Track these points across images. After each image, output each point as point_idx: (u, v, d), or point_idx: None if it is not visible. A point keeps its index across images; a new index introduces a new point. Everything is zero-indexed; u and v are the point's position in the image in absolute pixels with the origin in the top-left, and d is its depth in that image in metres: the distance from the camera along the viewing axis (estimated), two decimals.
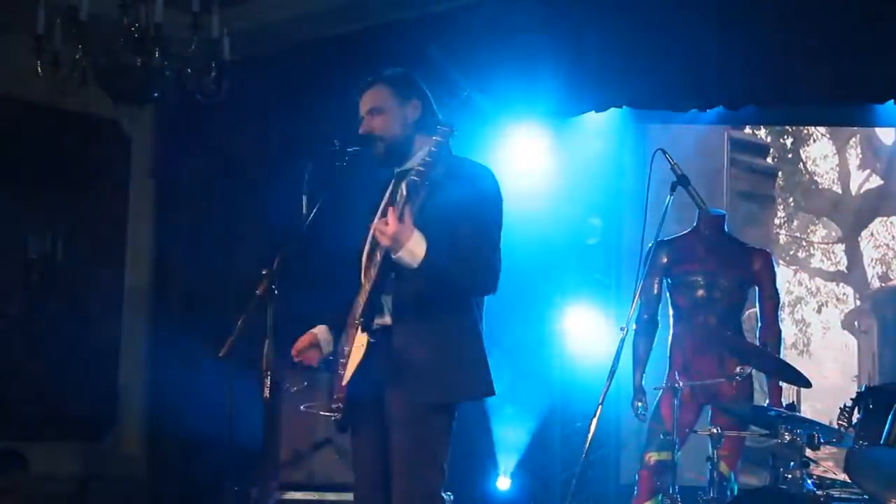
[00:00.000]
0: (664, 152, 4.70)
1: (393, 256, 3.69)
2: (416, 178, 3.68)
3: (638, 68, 6.46)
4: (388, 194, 4.03)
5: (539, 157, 7.21)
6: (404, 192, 3.72)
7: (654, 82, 6.46)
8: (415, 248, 3.69)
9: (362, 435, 3.99)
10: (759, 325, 6.14)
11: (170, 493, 7.17)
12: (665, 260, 6.10)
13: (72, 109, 7.06)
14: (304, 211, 3.84)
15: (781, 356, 6.03)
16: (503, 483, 7.00)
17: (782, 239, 9.45)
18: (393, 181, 4.05)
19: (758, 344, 6.01)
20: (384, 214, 3.78)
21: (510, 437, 6.96)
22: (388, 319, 3.89)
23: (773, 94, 6.28)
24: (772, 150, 8.97)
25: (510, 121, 6.92)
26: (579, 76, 6.56)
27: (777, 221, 9.23)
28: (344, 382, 3.88)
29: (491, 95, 6.74)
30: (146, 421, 7.71)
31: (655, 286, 6.12)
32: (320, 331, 4.09)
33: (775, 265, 6.26)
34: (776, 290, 6.15)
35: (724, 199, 8.27)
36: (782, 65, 6.17)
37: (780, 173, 9.14)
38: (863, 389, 5.26)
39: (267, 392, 3.76)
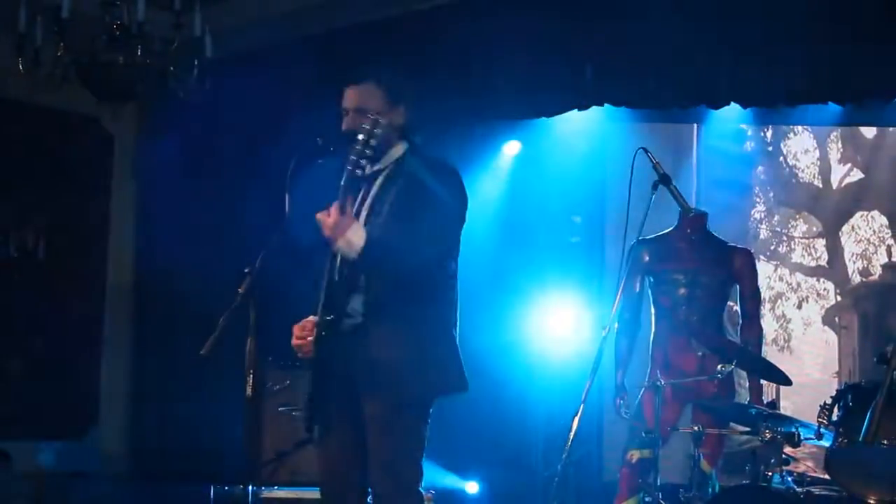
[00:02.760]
0: (646, 151, 4.72)
1: (332, 247, 3.74)
2: (349, 168, 3.74)
3: (620, 67, 6.48)
4: (360, 194, 4.05)
5: (521, 156, 7.24)
6: (342, 186, 3.77)
7: (636, 81, 6.48)
8: (352, 238, 3.74)
9: (334, 434, 3.99)
10: (740, 323, 6.17)
11: (151, 491, 7.16)
12: (647, 258, 6.11)
13: (53, 107, 7.04)
14: (287, 208, 3.85)
15: (763, 354, 6.07)
16: (472, 486, 7.03)
17: (763, 234, 9.44)
18: (363, 182, 4.07)
19: (739, 342, 6.04)
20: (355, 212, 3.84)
21: (492, 435, 6.98)
22: (358, 317, 3.91)
23: (756, 93, 6.32)
24: (750, 140, 8.93)
25: (493, 118, 6.93)
26: (561, 75, 6.58)
27: (757, 216, 9.23)
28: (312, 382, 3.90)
29: (473, 95, 6.74)
30: (128, 418, 7.70)
31: (637, 285, 6.14)
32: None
33: (756, 263, 6.29)
34: (757, 288, 6.18)
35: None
36: (766, 64, 6.20)
37: (759, 166, 9.13)
38: (843, 387, 5.29)
39: (249, 390, 3.76)
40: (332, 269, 3.89)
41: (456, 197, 3.97)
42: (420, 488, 3.93)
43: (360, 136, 3.73)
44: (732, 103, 6.40)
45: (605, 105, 6.72)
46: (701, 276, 6.03)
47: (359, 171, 3.80)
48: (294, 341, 4.00)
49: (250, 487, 5.89)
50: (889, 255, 8.99)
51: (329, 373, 3.85)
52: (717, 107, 6.47)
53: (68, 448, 7.38)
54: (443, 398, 4.00)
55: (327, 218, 3.72)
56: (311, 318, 4.03)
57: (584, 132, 7.27)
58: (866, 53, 6.00)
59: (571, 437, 4.54)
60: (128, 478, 7.52)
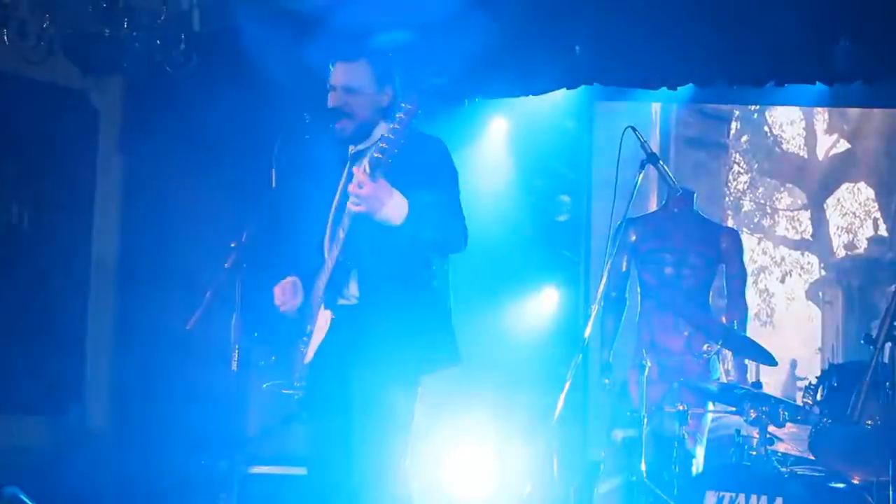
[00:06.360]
0: (634, 129, 4.71)
1: (375, 217, 3.70)
2: (378, 155, 3.71)
3: (609, 45, 6.46)
4: (345, 173, 4.04)
5: (509, 134, 7.22)
6: (367, 166, 3.73)
7: (624, 60, 6.46)
8: (398, 205, 3.70)
9: (324, 412, 4.00)
10: (726, 301, 6.19)
11: (136, 466, 7.15)
12: (633, 237, 6.12)
13: (38, 80, 6.97)
14: (273, 184, 3.83)
15: (747, 332, 6.08)
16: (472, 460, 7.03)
17: (746, 206, 9.40)
18: (349, 160, 4.06)
19: (723, 321, 6.06)
20: (345, 191, 3.80)
21: (476, 413, 6.98)
22: (352, 298, 3.90)
23: (744, 72, 6.31)
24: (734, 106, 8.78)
25: (480, 97, 6.91)
26: (549, 53, 6.55)
27: (741, 187, 9.17)
28: (306, 360, 3.89)
29: (460, 72, 6.72)
30: (113, 394, 7.67)
31: (624, 264, 6.15)
32: (295, 279, 4.07)
33: (742, 243, 6.31)
34: (743, 267, 6.21)
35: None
36: (754, 44, 6.19)
37: (743, 135, 9.05)
38: (828, 367, 5.31)
39: (235, 365, 3.75)
40: (334, 248, 3.86)
41: (445, 170, 3.95)
42: (406, 465, 3.93)
43: (387, 145, 3.69)
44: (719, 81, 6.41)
45: (594, 84, 6.71)
46: (687, 255, 6.05)
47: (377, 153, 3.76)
48: (276, 300, 4.01)
49: (234, 463, 5.88)
50: (875, 228, 8.94)
51: (322, 350, 3.85)
52: (706, 85, 6.47)
53: (52, 424, 7.35)
54: (434, 374, 4.00)
55: (359, 189, 3.68)
56: (290, 278, 4.04)
57: (572, 111, 7.25)
58: (854, 34, 6.00)
59: (557, 415, 4.54)
60: (112, 453, 7.50)
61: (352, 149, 4.05)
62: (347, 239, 3.81)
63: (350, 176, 3.94)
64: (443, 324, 3.98)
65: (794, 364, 8.76)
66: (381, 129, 3.95)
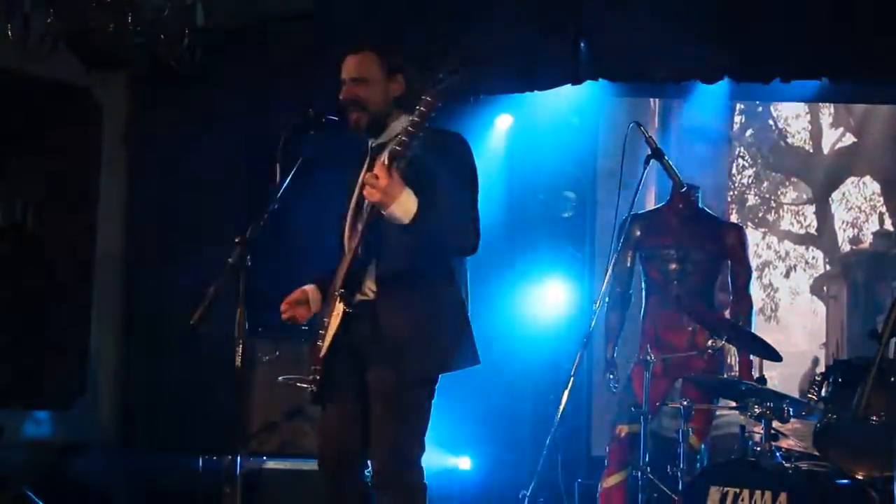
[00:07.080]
0: (639, 125, 4.71)
1: (384, 212, 3.67)
2: (398, 148, 3.69)
3: (614, 41, 6.45)
4: (364, 168, 4.01)
5: (514, 130, 7.22)
6: (385, 160, 3.71)
7: (628, 56, 6.46)
8: (407, 203, 3.66)
9: (336, 406, 3.99)
10: (731, 297, 6.19)
11: (142, 460, 7.16)
12: (638, 233, 6.12)
13: (42, 75, 6.98)
14: (277, 180, 3.83)
15: (753, 327, 6.08)
16: (463, 462, 7.02)
17: (751, 200, 9.38)
18: (369, 155, 4.04)
19: (728, 316, 6.06)
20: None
21: (481, 409, 6.98)
22: (370, 294, 3.89)
23: (750, 68, 6.30)
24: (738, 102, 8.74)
25: (486, 93, 6.91)
26: (555, 48, 6.55)
27: (745, 181, 9.14)
28: (321, 354, 3.88)
29: (465, 67, 6.71)
30: (119, 388, 7.69)
31: (628, 260, 6.16)
32: (310, 289, 4.07)
33: (747, 239, 6.30)
34: (748, 264, 6.22)
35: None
36: (760, 40, 6.18)
37: (749, 129, 9.00)
38: (833, 363, 5.29)
39: (239, 361, 3.75)
40: (353, 241, 3.86)
41: (464, 167, 3.93)
42: (421, 463, 3.92)
43: (406, 138, 3.68)
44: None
45: (600, 80, 6.70)
46: (692, 251, 6.05)
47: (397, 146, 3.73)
48: (283, 315, 4.02)
49: (238, 458, 5.88)
50: (881, 222, 8.91)
51: (336, 345, 3.85)
52: (711, 82, 6.46)
53: (57, 418, 7.36)
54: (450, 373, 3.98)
55: (375, 180, 3.64)
56: (301, 289, 4.04)
57: (577, 107, 7.25)
58: (859, 30, 6.00)
59: (560, 411, 4.55)
60: (117, 448, 7.51)
61: (372, 142, 4.03)
62: (367, 233, 3.80)
63: (366, 171, 3.92)
64: (461, 323, 3.96)
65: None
66: (401, 122, 3.92)
